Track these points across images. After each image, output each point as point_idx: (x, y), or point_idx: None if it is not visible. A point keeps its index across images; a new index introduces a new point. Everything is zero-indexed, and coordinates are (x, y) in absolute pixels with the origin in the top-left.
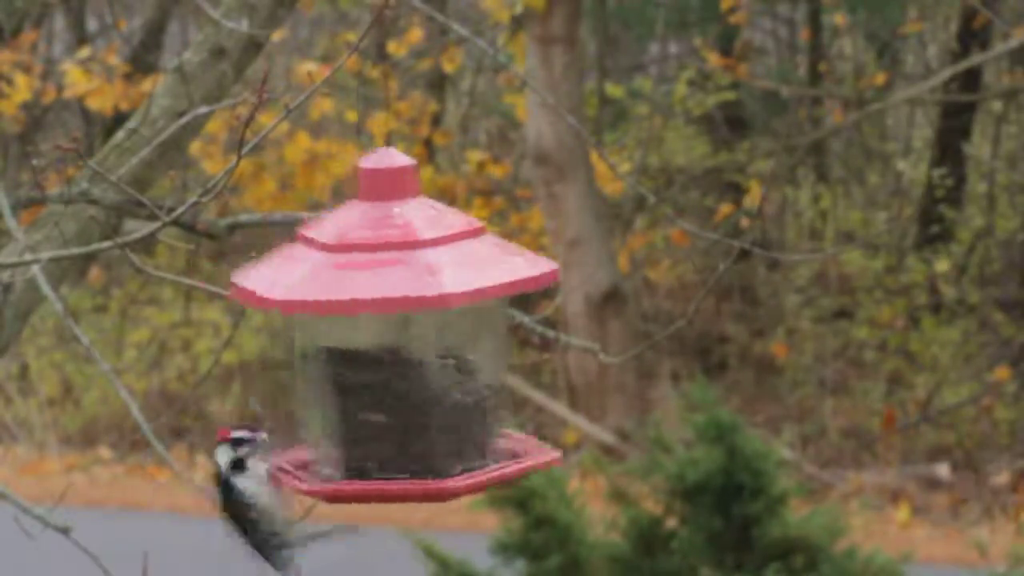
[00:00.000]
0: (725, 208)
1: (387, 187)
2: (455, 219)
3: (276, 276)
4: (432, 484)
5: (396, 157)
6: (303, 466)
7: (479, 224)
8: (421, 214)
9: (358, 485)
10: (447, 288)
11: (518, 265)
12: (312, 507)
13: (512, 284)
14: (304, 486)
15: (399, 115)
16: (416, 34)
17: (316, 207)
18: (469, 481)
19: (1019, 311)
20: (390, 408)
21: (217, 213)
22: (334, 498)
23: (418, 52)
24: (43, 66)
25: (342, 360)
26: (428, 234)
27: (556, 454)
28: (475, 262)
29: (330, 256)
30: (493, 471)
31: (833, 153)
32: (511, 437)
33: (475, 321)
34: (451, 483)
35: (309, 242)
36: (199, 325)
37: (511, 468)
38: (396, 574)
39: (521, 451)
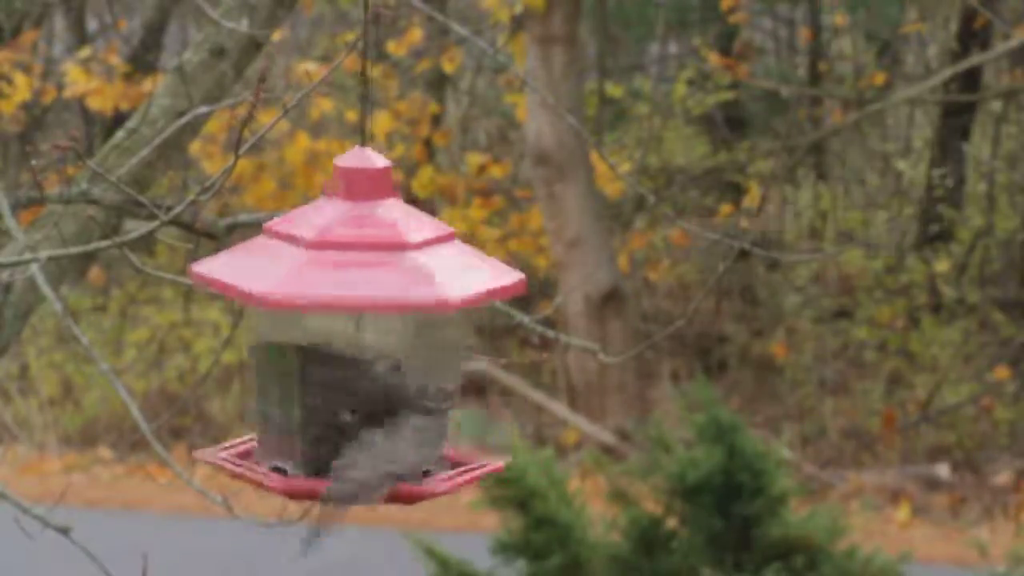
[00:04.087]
0: (725, 208)
1: (364, 187)
2: (430, 224)
3: (257, 270)
4: (402, 488)
5: (372, 157)
6: (248, 456)
7: (450, 230)
8: (401, 215)
9: (309, 482)
10: (446, 293)
11: (492, 271)
12: (311, 507)
13: (497, 291)
14: (259, 479)
15: (399, 115)
16: (416, 34)
17: None
18: (444, 487)
19: (1019, 311)
20: (348, 408)
21: (217, 213)
22: (285, 493)
23: (418, 52)
24: (43, 66)
25: (304, 357)
26: (413, 237)
27: (499, 463)
28: (459, 267)
29: (315, 253)
30: (447, 478)
31: (833, 153)
32: (452, 447)
33: (438, 326)
34: (422, 488)
35: (284, 237)
36: (199, 325)
37: (463, 477)
38: (396, 574)
39: (463, 460)
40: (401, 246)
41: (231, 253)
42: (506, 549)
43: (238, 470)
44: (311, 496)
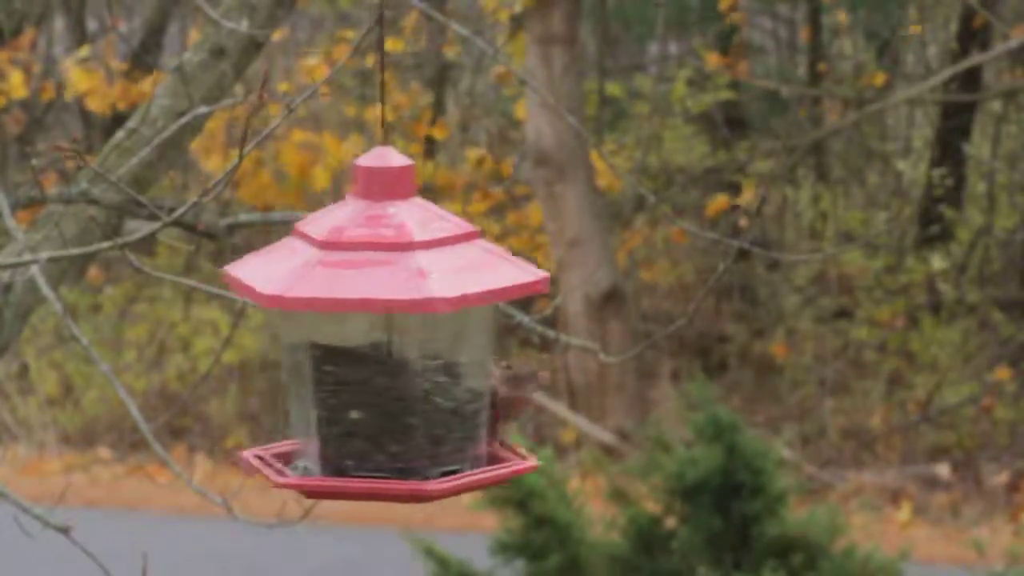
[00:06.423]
0: (720, 201)
1: (383, 186)
2: (449, 223)
3: (270, 270)
4: (406, 485)
5: (393, 156)
6: (287, 459)
7: (473, 228)
8: (416, 216)
9: (333, 482)
10: (434, 292)
11: (507, 272)
12: (312, 506)
13: (499, 291)
14: (279, 479)
15: (398, 109)
16: (413, 22)
17: (317, 202)
18: (444, 485)
19: (1019, 311)
20: (371, 406)
21: (217, 211)
22: (310, 493)
23: (416, 53)
24: (42, 66)
25: (326, 355)
26: (421, 236)
27: (533, 463)
28: (465, 267)
29: (322, 253)
30: (468, 477)
31: (833, 153)
32: (496, 442)
33: (462, 326)
34: (426, 486)
35: (304, 237)
36: (198, 325)
37: (486, 475)
38: (396, 574)
39: (502, 457)
40: (405, 246)
41: (262, 253)
42: (505, 549)
43: (264, 470)
44: (326, 495)
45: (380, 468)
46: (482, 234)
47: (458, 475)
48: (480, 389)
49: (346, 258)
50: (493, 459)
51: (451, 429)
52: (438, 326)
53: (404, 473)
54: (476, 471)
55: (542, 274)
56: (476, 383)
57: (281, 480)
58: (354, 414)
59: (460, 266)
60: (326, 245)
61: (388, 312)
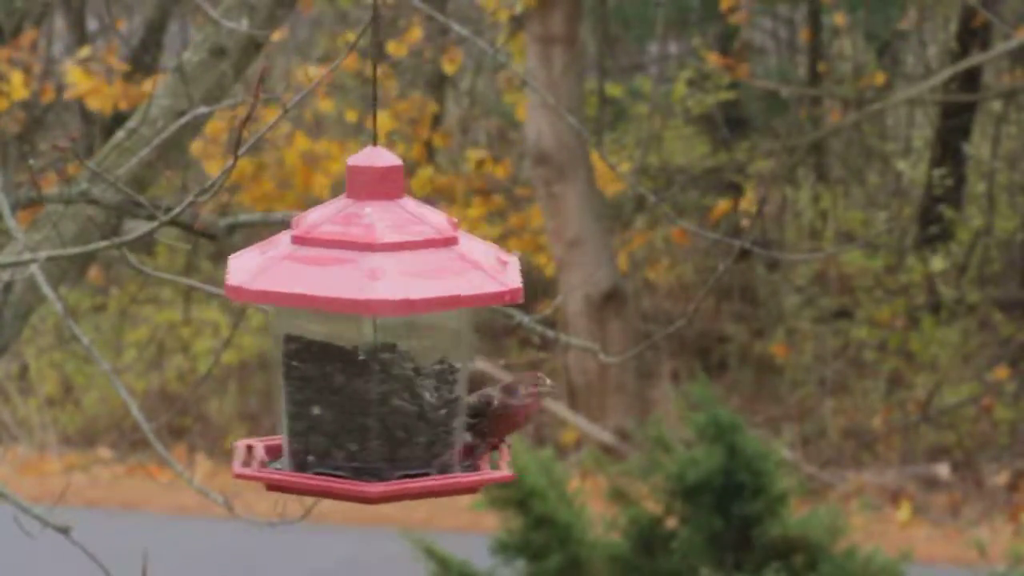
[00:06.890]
0: (722, 205)
1: (368, 185)
2: (426, 226)
3: (249, 262)
4: (351, 486)
5: (384, 156)
6: (276, 452)
7: (450, 234)
8: (390, 217)
9: (287, 476)
10: (377, 295)
11: (472, 280)
12: (314, 505)
13: (451, 299)
14: (239, 471)
15: (400, 115)
16: (416, 33)
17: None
18: (386, 489)
19: (1019, 311)
20: (331, 404)
21: (216, 212)
22: (269, 486)
23: (417, 52)
24: (43, 65)
25: (295, 350)
26: (387, 238)
27: (501, 474)
28: (424, 272)
29: (292, 248)
30: (418, 482)
31: (833, 153)
32: (478, 446)
33: (433, 331)
34: (368, 488)
35: (290, 232)
36: (199, 325)
37: (438, 483)
38: (396, 574)
39: (480, 465)
40: (367, 247)
41: (258, 246)
42: (506, 549)
43: (235, 460)
44: (282, 489)
45: (338, 466)
46: (456, 241)
47: (410, 480)
48: (451, 396)
49: (310, 254)
50: (470, 467)
51: (414, 433)
52: (404, 328)
53: (360, 473)
54: (435, 477)
55: (512, 285)
56: (447, 389)
57: (240, 471)
58: (315, 410)
59: (418, 271)
60: (298, 240)
61: (329, 311)
